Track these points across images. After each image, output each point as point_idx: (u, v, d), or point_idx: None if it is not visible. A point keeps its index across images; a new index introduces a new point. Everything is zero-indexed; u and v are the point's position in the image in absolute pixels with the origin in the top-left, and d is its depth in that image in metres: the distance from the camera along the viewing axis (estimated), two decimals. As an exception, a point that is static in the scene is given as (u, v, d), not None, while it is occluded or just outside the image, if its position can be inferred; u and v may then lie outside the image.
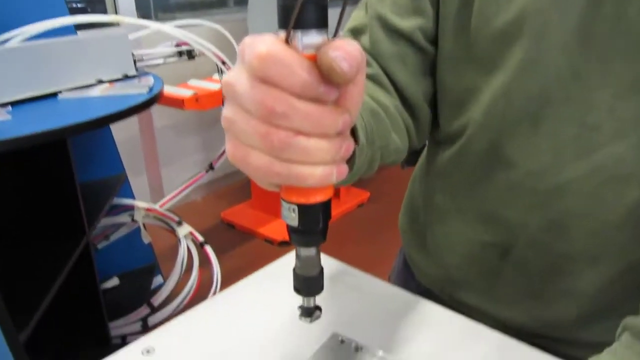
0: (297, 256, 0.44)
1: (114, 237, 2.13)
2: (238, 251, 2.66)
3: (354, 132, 0.49)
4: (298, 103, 0.33)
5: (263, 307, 0.70)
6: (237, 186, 3.25)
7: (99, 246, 2.09)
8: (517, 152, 0.61)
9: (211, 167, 2.31)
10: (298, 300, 0.44)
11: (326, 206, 0.39)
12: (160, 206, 2.18)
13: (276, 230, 2.73)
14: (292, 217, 0.38)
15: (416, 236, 0.81)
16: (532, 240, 0.64)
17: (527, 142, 0.60)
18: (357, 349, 0.55)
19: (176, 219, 2.12)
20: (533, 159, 0.60)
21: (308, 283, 0.44)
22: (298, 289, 0.44)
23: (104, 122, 1.27)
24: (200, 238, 2.14)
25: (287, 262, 0.80)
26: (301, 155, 0.34)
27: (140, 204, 2.10)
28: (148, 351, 0.61)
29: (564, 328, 0.68)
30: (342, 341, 0.56)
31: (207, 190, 3.19)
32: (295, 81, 0.32)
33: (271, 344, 0.63)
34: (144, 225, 2.16)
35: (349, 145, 0.36)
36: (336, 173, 0.35)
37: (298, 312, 0.45)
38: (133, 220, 2.11)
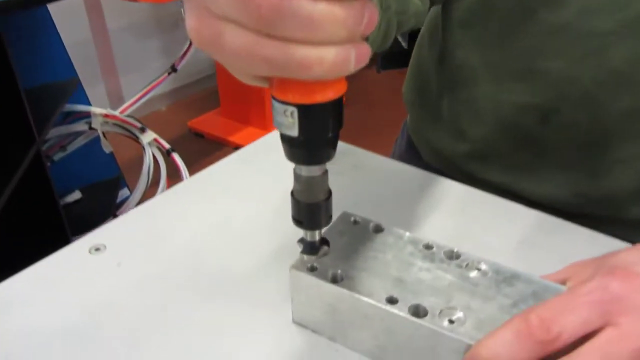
0: (297, 177, 0.34)
1: (71, 147, 1.97)
2: (208, 161, 2.48)
3: None
4: None
5: (237, 194, 0.56)
6: (204, 94, 3.05)
7: (55, 157, 1.93)
8: None
9: (174, 69, 2.10)
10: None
11: (337, 107, 0.30)
12: (121, 113, 2.00)
13: (248, 138, 2.58)
14: (289, 123, 0.29)
15: (427, 109, 0.68)
16: (583, 97, 0.52)
17: None
18: (377, 229, 0.42)
19: (138, 125, 1.95)
20: None
21: (312, 213, 0.35)
22: (299, 221, 0.36)
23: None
24: (167, 145, 1.99)
25: (266, 142, 0.66)
26: (304, 29, 0.23)
27: (97, 110, 1.92)
28: (97, 249, 0.48)
29: (613, 204, 0.57)
30: (356, 221, 0.43)
31: (172, 98, 2.98)
32: None
33: (251, 236, 0.50)
34: (103, 134, 2.00)
35: (372, 11, 0.24)
36: (355, 57, 0.25)
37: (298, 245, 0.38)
38: (91, 128, 1.95)
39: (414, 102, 0.71)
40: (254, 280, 0.46)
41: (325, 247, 0.39)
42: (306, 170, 0.34)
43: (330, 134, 0.31)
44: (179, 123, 2.82)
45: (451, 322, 0.35)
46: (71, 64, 1.90)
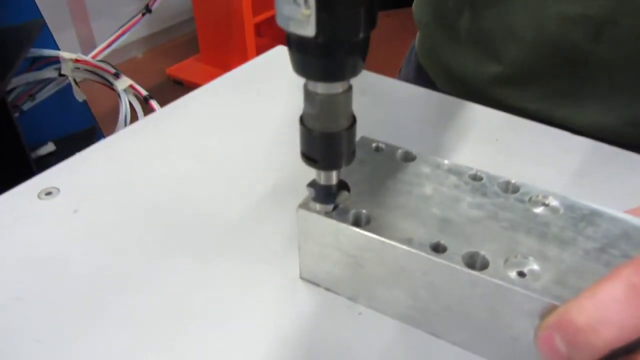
0: (310, 97, 0.25)
1: (40, 96, 1.83)
2: (189, 110, 2.38)
3: None
4: None
5: (225, 124, 0.46)
6: (182, 40, 2.88)
7: (24, 107, 1.80)
8: None
9: (148, 9, 1.95)
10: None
11: None
12: (93, 58, 1.85)
13: (230, 84, 2.44)
14: (302, 16, 0.21)
15: (445, 28, 0.58)
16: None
17: None
18: (407, 157, 0.32)
19: (112, 70, 1.81)
20: None
21: (329, 147, 0.26)
22: (310, 158, 0.27)
23: None
24: (144, 92, 1.85)
25: (257, 64, 0.55)
26: None
27: (66, 54, 1.77)
28: (49, 193, 0.38)
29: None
30: (379, 148, 0.33)
31: (149, 45, 2.81)
32: None
33: (244, 176, 0.40)
34: (75, 81, 1.86)
35: None
36: None
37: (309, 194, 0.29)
38: (61, 75, 1.81)
39: (428, 22, 0.60)
40: (247, 228, 0.36)
41: (345, 193, 0.29)
42: (324, 88, 0.24)
43: (361, 35, 0.22)
44: (157, 71, 2.67)
45: (521, 274, 0.26)
46: (35, 5, 1.76)
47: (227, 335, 0.29)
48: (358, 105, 0.47)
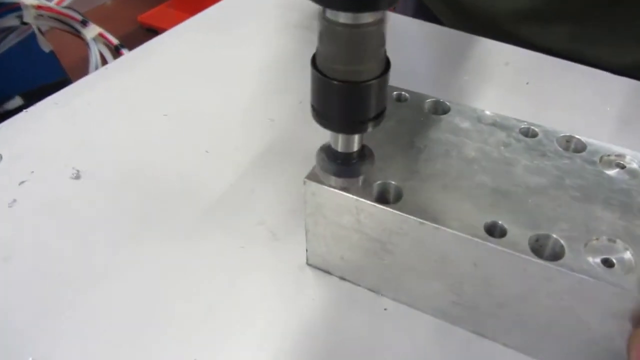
0: (329, 32, 0.18)
1: (3, 46, 1.70)
2: (164, 59, 2.26)
3: None
4: None
5: (203, 71, 0.38)
6: (153, -16, 2.71)
7: (-15, 59, 1.67)
8: None
9: (115, -51, 1.80)
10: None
11: None
12: (58, 4, 1.72)
13: (207, 31, 2.32)
14: None
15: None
16: None
17: None
18: (439, 108, 0.26)
19: (79, 18, 1.68)
20: None
21: (353, 99, 0.19)
22: (325, 115, 0.19)
23: None
24: (115, 41, 1.73)
25: (231, 4, 0.47)
26: None
27: (27, 0, 1.64)
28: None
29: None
30: (401, 97, 0.26)
31: (118, -10, 2.65)
32: None
33: (226, 138, 0.33)
34: (40, 29, 1.73)
35: None
36: None
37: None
38: (23, 23, 1.68)
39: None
40: (235, 202, 0.29)
41: (367, 163, 0.21)
42: (349, 18, 0.17)
43: None
44: (128, 18, 2.52)
45: (608, 263, 0.19)
46: (-10, -55, 1.60)
47: (214, 340, 0.23)
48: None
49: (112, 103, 0.36)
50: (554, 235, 0.20)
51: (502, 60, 0.40)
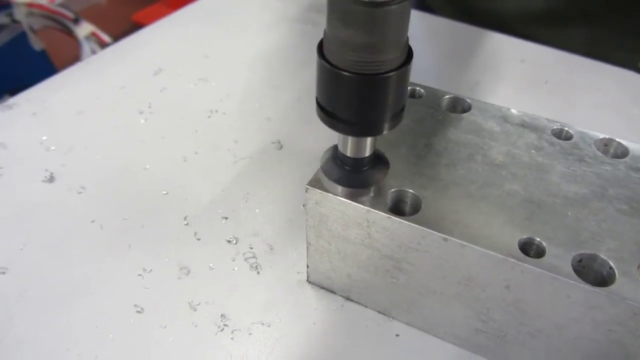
0: (341, 12, 0.14)
1: (-8, 44, 1.67)
2: (159, 59, 2.23)
3: None
4: None
5: (188, 61, 0.35)
6: (148, -17, 2.68)
7: (-25, 57, 1.64)
8: None
9: (109, -53, 1.77)
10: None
11: None
12: (50, 2, 1.68)
13: (203, 31, 2.29)
14: None
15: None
16: None
17: None
18: (458, 106, 0.23)
19: (71, 16, 1.65)
20: None
21: (368, 96, 0.15)
22: (333, 114, 0.16)
23: None
24: (107, 39, 1.70)
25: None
26: None
27: (18, -3, 1.60)
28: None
29: None
30: (416, 93, 0.23)
31: (112, -12, 2.61)
32: None
33: (218, 142, 0.30)
34: (31, 28, 1.70)
35: None
36: None
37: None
38: (14, 21, 1.64)
39: None
40: (225, 209, 0.26)
41: (380, 173, 0.19)
42: None
43: None
44: (122, 17, 2.49)
45: (667, 289, 0.16)
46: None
47: (204, 376, 0.20)
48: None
49: (91, 99, 0.33)
50: (602, 256, 0.17)
51: (518, 57, 0.37)
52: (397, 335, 0.21)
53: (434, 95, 0.23)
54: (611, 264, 0.17)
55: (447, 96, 0.23)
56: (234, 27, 0.39)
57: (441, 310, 0.20)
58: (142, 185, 0.27)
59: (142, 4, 2.59)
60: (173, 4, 2.20)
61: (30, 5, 1.66)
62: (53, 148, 0.29)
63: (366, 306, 0.22)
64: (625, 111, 0.32)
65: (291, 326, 0.21)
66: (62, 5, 1.76)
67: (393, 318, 0.21)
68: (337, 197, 0.19)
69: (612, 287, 0.16)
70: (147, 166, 0.28)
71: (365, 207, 0.18)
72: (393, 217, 0.18)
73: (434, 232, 0.17)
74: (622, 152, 0.21)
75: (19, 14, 1.69)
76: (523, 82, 0.35)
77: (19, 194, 0.26)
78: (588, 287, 0.16)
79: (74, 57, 1.94)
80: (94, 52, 1.74)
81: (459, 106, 0.23)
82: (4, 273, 0.23)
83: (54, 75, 0.35)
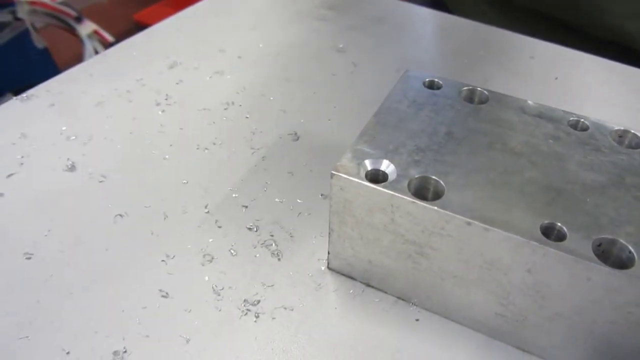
0: None
1: (-5, 42, 1.67)
2: (160, 58, 2.23)
3: None
4: None
5: (200, 57, 0.36)
6: (150, -18, 2.69)
7: (-23, 55, 1.64)
8: None
9: (112, -55, 1.77)
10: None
11: None
12: (53, 0, 1.69)
13: (204, 30, 2.29)
14: None
15: None
16: None
17: None
18: (475, 97, 0.23)
19: (73, 13, 1.65)
20: None
21: None
22: None
23: None
24: (110, 38, 1.70)
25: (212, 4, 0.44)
26: None
27: (21, -5, 1.61)
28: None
29: None
30: (434, 84, 0.24)
31: (114, -12, 2.62)
32: None
33: (234, 136, 0.31)
34: (33, 25, 1.70)
35: None
36: None
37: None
38: (17, 19, 1.65)
39: None
40: (244, 196, 0.27)
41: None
42: None
43: None
44: (124, 16, 2.49)
45: (686, 273, 0.17)
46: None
47: (224, 354, 0.20)
48: (376, 37, 0.37)
49: (109, 91, 0.33)
50: (621, 240, 0.17)
51: (527, 54, 0.38)
52: (417, 320, 0.22)
53: (452, 87, 0.24)
54: (630, 248, 0.17)
55: (465, 87, 0.24)
56: (248, 23, 0.40)
57: (461, 295, 0.20)
58: (162, 174, 0.28)
59: (143, 4, 2.60)
60: (175, 4, 2.20)
61: (32, 3, 1.66)
62: (73, 138, 0.30)
63: (386, 292, 0.22)
64: (635, 107, 0.33)
65: (314, 310, 0.22)
66: (64, 3, 1.76)
67: (413, 303, 0.22)
68: (363, 182, 0.19)
69: (632, 269, 0.17)
70: (167, 156, 0.29)
71: (390, 192, 0.19)
72: (418, 202, 0.18)
73: (457, 216, 0.18)
74: (636, 144, 0.21)
75: (22, 11, 1.69)
76: (533, 79, 0.35)
77: (42, 182, 0.27)
78: (609, 269, 0.17)
79: (77, 56, 1.95)
80: (96, 50, 1.75)
81: (477, 97, 0.23)
82: (29, 258, 0.23)
83: (70, 68, 0.36)
